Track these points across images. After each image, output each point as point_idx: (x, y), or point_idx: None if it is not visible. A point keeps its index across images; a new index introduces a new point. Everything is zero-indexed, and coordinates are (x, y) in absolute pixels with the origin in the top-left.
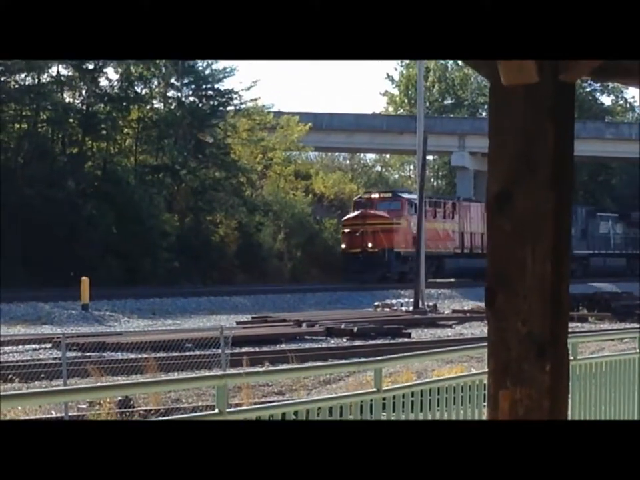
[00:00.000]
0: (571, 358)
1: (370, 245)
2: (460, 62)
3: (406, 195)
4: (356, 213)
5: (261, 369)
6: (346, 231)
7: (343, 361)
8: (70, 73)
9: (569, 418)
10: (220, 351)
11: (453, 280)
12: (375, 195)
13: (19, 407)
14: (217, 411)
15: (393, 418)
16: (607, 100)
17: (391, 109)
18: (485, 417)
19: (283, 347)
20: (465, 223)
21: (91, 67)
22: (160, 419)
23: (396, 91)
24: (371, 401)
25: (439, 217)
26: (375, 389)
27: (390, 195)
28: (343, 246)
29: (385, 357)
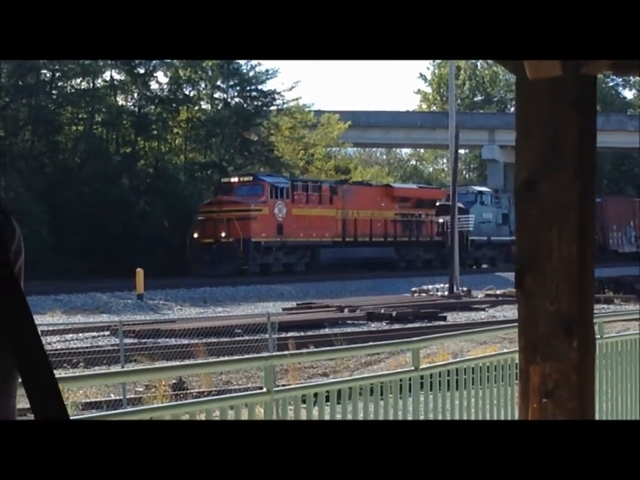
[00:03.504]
0: (598, 336)
1: (223, 234)
2: (489, 60)
3: (269, 179)
4: (212, 199)
5: (304, 351)
6: (200, 218)
7: (383, 342)
8: (122, 78)
9: (597, 393)
10: (267, 335)
11: (485, 266)
12: (235, 179)
13: (80, 390)
14: (264, 390)
15: (430, 396)
16: (629, 94)
17: (424, 106)
18: (516, 393)
19: (327, 331)
20: (349, 208)
21: (142, 71)
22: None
23: (429, 89)
24: (410, 379)
25: (313, 202)
26: (412, 368)
27: (250, 178)
28: (195, 235)
29: (421, 337)
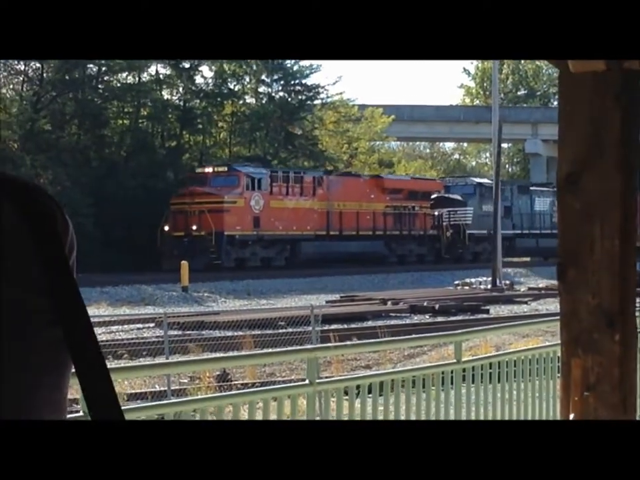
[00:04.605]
0: None
1: (194, 227)
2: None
3: (245, 169)
4: (184, 190)
5: (347, 343)
6: (172, 210)
7: (426, 334)
8: (168, 72)
9: (639, 387)
10: (311, 328)
11: (528, 259)
12: (209, 169)
13: (125, 381)
14: (307, 381)
15: (472, 388)
16: None
17: (467, 100)
18: (558, 387)
19: (370, 323)
20: (334, 200)
21: (187, 65)
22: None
23: (472, 84)
24: (452, 372)
25: (294, 194)
26: (455, 361)
27: (225, 168)
28: (166, 228)
29: (464, 330)
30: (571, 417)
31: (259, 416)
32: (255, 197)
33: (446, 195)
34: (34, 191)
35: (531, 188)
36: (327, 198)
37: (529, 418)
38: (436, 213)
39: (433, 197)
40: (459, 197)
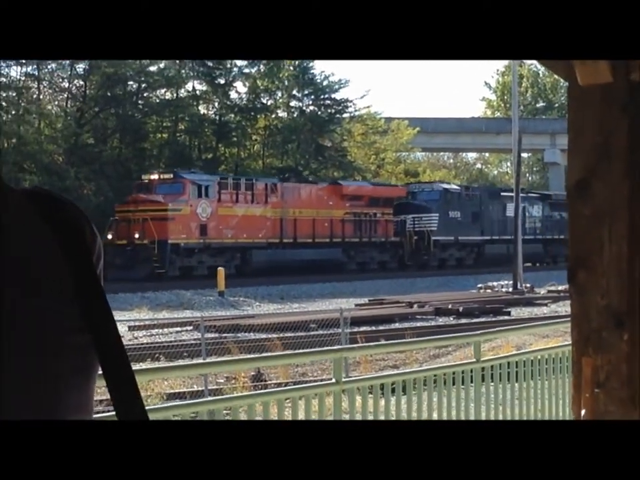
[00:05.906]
0: None
1: (137, 235)
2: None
3: (191, 176)
4: (128, 197)
5: (372, 344)
6: (117, 218)
7: (447, 335)
8: (204, 88)
9: None
10: (340, 330)
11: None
12: (155, 176)
13: (165, 382)
14: (333, 380)
15: (491, 385)
16: None
17: (488, 112)
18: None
19: (397, 325)
20: (289, 207)
21: (222, 82)
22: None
23: (493, 97)
24: (471, 370)
25: (245, 201)
26: (474, 360)
27: (171, 175)
28: (109, 237)
29: (482, 331)
30: (582, 412)
31: (287, 413)
32: (201, 205)
33: (409, 201)
34: (64, 204)
35: (503, 194)
36: (280, 205)
37: (546, 414)
38: (399, 219)
39: (395, 203)
40: (422, 203)
